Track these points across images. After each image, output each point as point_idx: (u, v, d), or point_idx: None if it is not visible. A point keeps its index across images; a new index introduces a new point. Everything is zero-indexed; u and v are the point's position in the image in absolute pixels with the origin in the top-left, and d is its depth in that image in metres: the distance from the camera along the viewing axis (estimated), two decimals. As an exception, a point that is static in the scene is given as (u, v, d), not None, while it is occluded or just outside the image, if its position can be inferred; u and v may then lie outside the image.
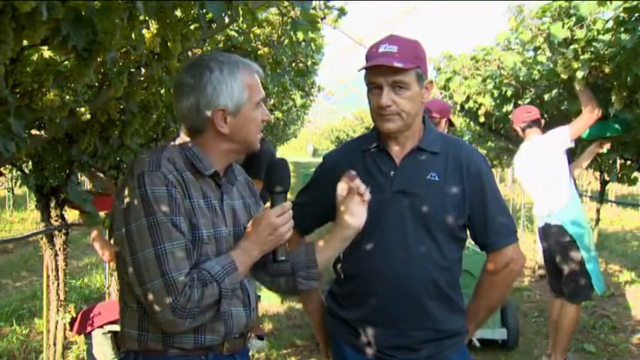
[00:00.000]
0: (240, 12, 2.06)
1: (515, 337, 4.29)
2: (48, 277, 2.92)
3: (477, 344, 4.08)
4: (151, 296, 1.37)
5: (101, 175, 3.00)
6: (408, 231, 1.69)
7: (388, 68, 1.62)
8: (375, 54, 1.65)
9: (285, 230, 1.49)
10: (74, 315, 3.08)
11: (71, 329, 3.10)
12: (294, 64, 4.44)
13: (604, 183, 4.90)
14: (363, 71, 1.70)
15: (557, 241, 3.82)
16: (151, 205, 1.38)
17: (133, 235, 1.39)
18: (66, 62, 1.70)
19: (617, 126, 3.96)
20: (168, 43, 1.89)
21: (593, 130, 3.89)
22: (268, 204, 1.55)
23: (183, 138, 1.53)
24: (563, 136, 3.80)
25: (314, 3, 3.42)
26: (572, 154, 4.40)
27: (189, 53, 2.31)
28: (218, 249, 1.48)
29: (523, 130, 4.01)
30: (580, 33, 3.34)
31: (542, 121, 4.08)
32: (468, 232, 1.83)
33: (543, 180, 3.90)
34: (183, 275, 1.37)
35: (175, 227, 1.39)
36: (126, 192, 1.44)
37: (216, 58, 1.51)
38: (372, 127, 1.83)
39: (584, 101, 3.71)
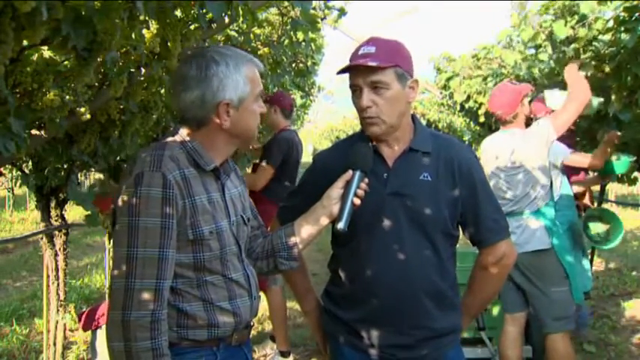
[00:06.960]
0: (240, 12, 2.06)
1: (541, 354, 3.93)
2: (48, 277, 2.92)
3: None
4: (114, 290, 1.40)
5: (101, 175, 2.99)
6: (403, 232, 1.70)
7: (365, 69, 1.62)
8: (355, 56, 1.66)
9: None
10: (74, 315, 3.09)
11: (79, 323, 3.12)
12: (294, 64, 4.45)
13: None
14: None
15: None
16: (138, 206, 1.39)
17: (118, 232, 1.42)
18: (66, 62, 1.70)
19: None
20: (169, 43, 1.89)
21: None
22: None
23: (181, 135, 1.54)
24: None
25: (314, 3, 3.43)
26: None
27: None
28: (221, 243, 1.52)
29: None
30: (582, 32, 3.33)
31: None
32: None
33: None
34: (148, 285, 1.38)
35: (164, 231, 1.41)
36: (123, 188, 1.45)
37: (219, 51, 1.52)
38: None
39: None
